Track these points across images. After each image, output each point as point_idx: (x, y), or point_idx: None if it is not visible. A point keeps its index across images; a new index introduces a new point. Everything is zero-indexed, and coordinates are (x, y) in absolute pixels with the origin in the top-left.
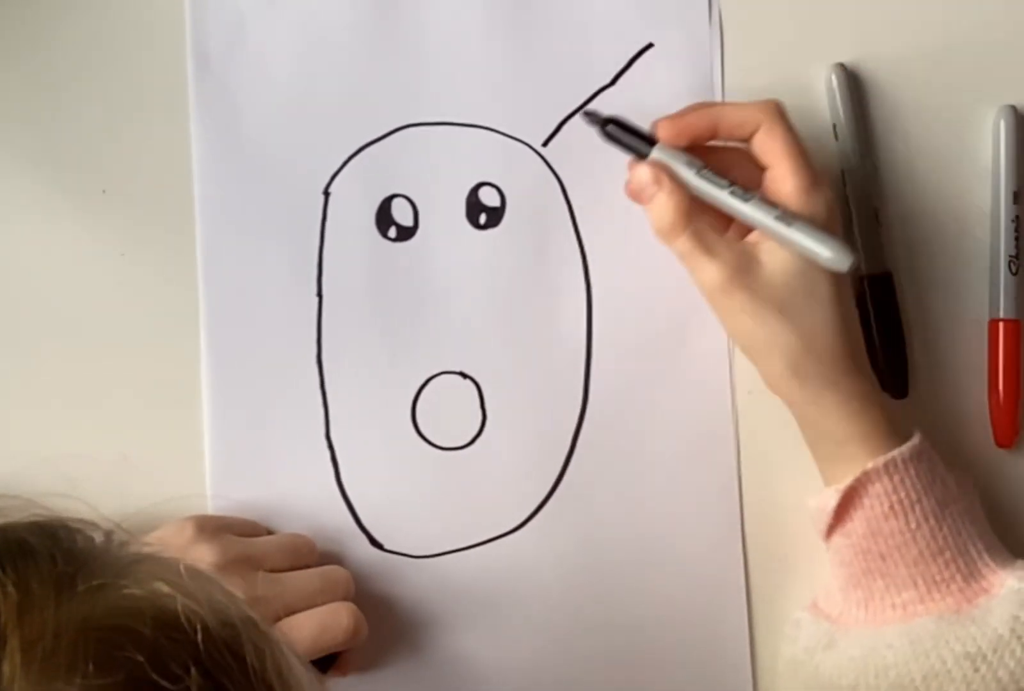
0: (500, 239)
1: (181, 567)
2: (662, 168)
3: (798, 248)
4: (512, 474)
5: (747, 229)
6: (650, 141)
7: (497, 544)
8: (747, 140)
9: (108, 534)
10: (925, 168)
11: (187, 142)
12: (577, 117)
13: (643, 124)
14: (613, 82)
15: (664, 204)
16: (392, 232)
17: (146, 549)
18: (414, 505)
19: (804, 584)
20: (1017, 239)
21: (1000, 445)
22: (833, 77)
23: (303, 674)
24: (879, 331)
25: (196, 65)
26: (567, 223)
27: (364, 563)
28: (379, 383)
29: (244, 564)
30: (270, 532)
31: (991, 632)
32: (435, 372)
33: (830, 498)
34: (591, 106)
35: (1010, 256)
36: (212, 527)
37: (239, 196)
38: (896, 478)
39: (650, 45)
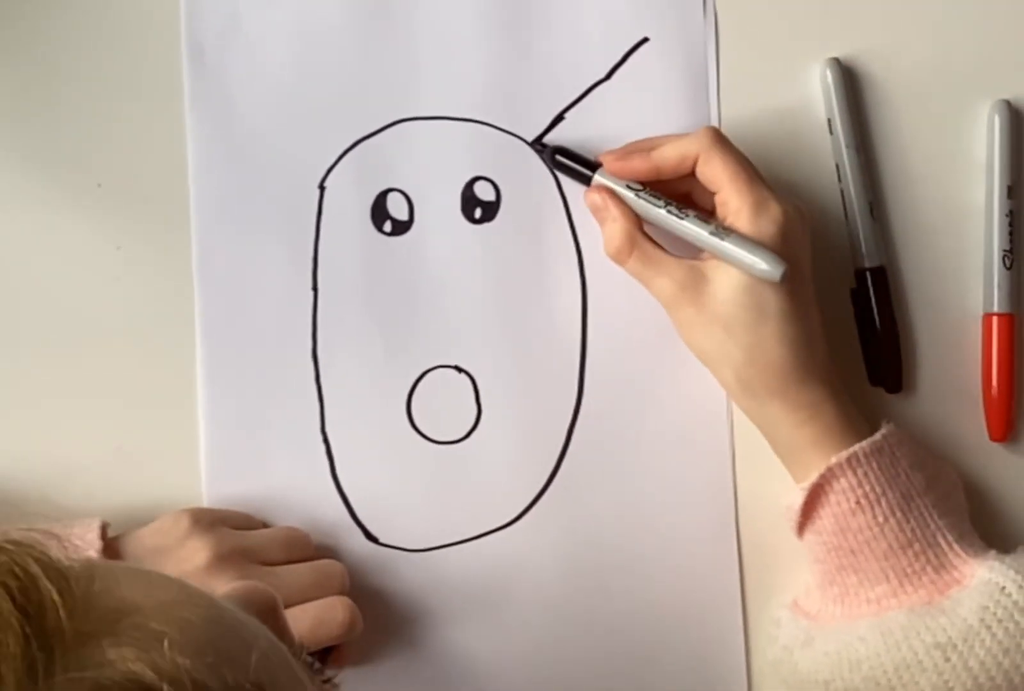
0: (495, 233)
1: (165, 641)
2: (608, 194)
3: (732, 261)
4: (507, 468)
5: (700, 250)
6: (593, 167)
7: (492, 538)
8: (690, 173)
9: (79, 577)
10: (919, 163)
11: (182, 136)
12: (531, 145)
13: (633, 122)
14: (608, 76)
15: (610, 230)
16: (387, 226)
17: (124, 598)
18: (409, 499)
19: (797, 578)
20: (1011, 233)
21: (994, 439)
22: (827, 71)
23: None
24: (874, 325)
25: (191, 58)
26: (562, 217)
27: (359, 557)
28: (374, 377)
29: (239, 557)
30: (265, 525)
31: (961, 622)
32: (430, 366)
33: (797, 496)
34: (548, 137)
35: (1004, 250)
36: (207, 520)
37: (234, 190)
38: (860, 472)
39: (645, 39)
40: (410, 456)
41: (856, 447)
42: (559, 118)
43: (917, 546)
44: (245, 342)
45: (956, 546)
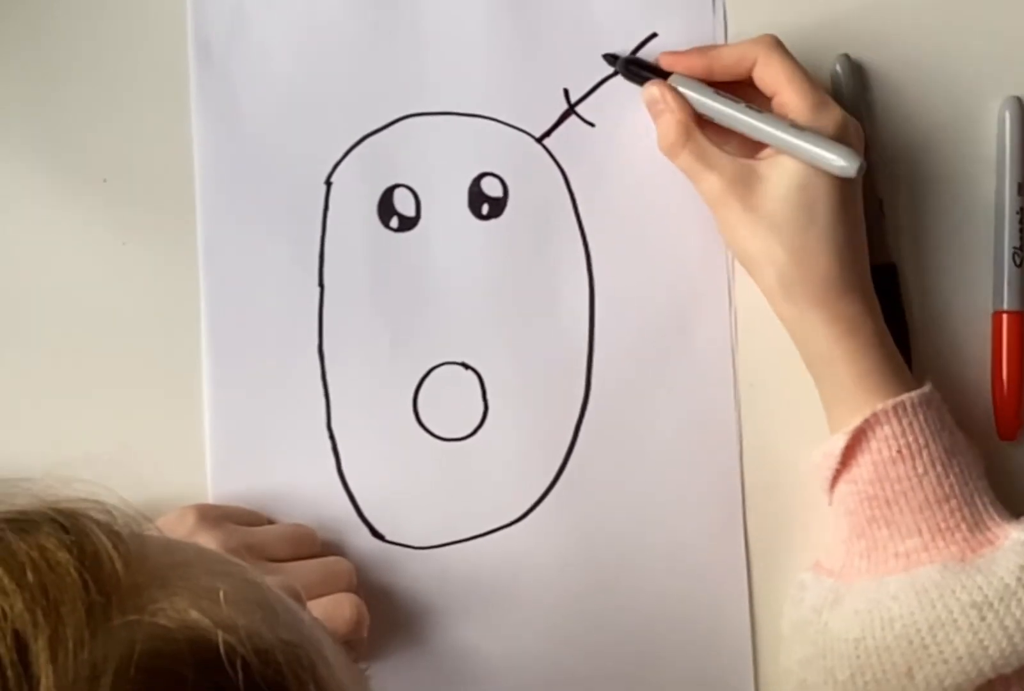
0: (502, 229)
1: (221, 593)
2: (667, 87)
3: (808, 156)
4: (514, 465)
5: (752, 149)
6: (665, 75)
7: (498, 535)
8: (746, 77)
9: (130, 537)
10: (930, 159)
11: (188, 131)
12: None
13: (642, 117)
14: (617, 72)
15: (666, 122)
16: (394, 222)
17: (176, 559)
18: (415, 496)
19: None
20: (1021, 231)
21: (1003, 438)
22: (838, 68)
23: (347, 677)
24: (883, 322)
25: (197, 54)
26: (569, 213)
27: (365, 554)
28: (380, 373)
29: (245, 553)
30: (271, 522)
31: (997, 581)
32: (437, 363)
33: (838, 441)
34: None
35: (1014, 248)
36: (213, 516)
37: (240, 186)
38: (905, 421)
39: (654, 35)
40: (416, 453)
41: (905, 396)
42: (568, 113)
43: (954, 502)
44: (251, 338)
45: (991, 508)
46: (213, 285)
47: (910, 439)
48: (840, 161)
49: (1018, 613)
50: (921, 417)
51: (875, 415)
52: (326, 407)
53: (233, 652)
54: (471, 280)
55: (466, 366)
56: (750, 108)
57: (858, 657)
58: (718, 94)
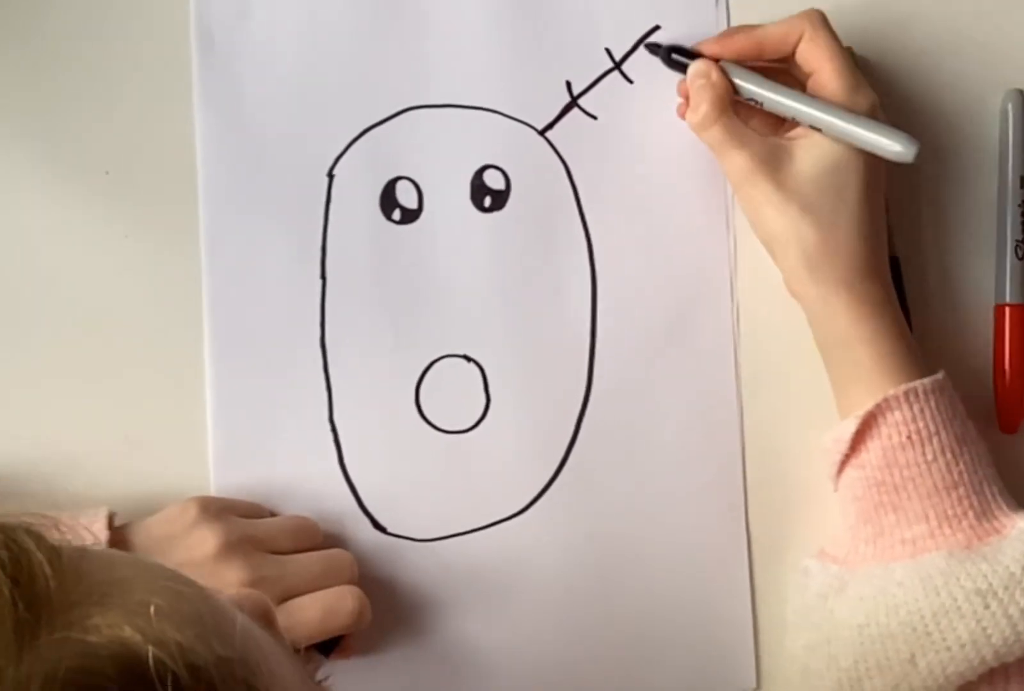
0: (505, 222)
1: (152, 606)
2: (717, 67)
3: (865, 140)
4: (516, 458)
5: (775, 129)
6: (715, 60)
7: (500, 528)
8: (788, 56)
9: (70, 552)
10: (932, 152)
11: (191, 124)
12: (641, 49)
13: (644, 110)
14: (619, 64)
15: (700, 95)
16: (396, 214)
17: (115, 575)
18: (417, 488)
19: None
20: None
21: (1004, 431)
22: None
23: (293, 681)
24: None
25: (200, 46)
26: (572, 206)
27: (367, 546)
28: (383, 366)
29: (248, 545)
30: (273, 514)
31: (1003, 569)
32: (439, 355)
33: (849, 425)
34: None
35: (1016, 241)
36: (215, 508)
37: (243, 178)
38: (916, 407)
39: (656, 27)
40: (419, 445)
41: (917, 382)
42: (570, 106)
43: (962, 489)
44: (253, 330)
45: (1000, 497)
46: (215, 277)
47: (920, 425)
48: (897, 146)
49: (1022, 602)
50: (933, 403)
51: (886, 400)
52: (328, 399)
53: (163, 668)
54: (473, 272)
55: (468, 358)
56: (802, 94)
57: (862, 644)
58: (767, 80)
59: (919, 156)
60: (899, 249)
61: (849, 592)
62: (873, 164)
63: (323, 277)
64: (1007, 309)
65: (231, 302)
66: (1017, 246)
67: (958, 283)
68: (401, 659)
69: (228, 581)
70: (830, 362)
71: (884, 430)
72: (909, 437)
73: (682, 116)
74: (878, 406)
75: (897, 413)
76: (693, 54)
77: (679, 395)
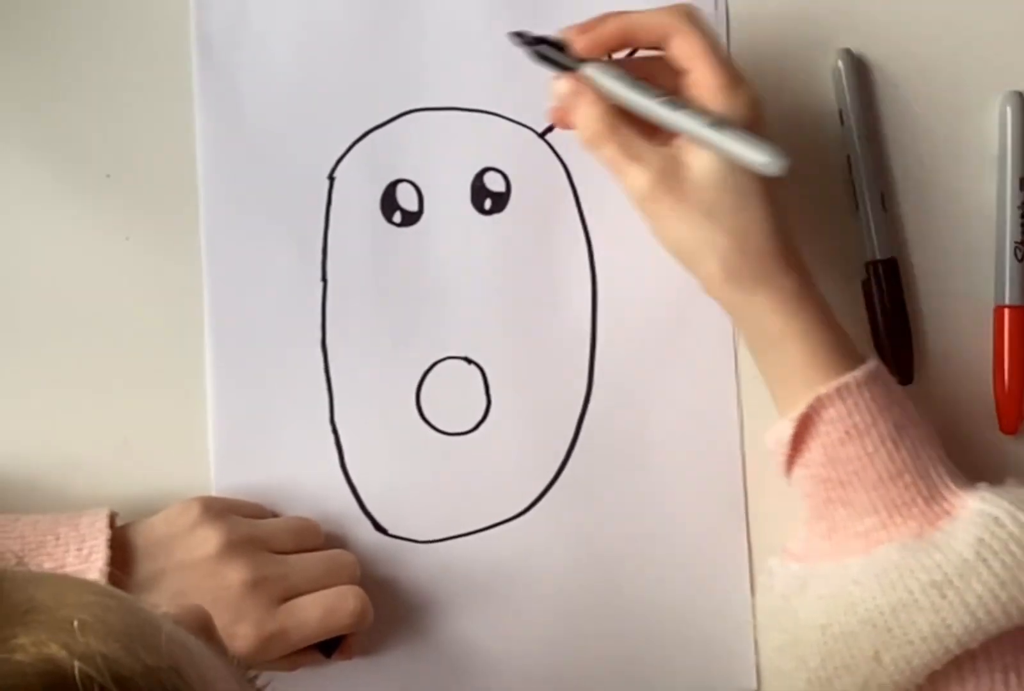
0: (505, 224)
1: (75, 621)
2: (582, 80)
3: (731, 155)
4: (516, 460)
5: (672, 137)
6: (580, 59)
7: (501, 529)
8: (662, 47)
9: None
10: (931, 154)
11: (191, 126)
12: (506, 37)
13: None
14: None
15: (587, 114)
16: (397, 217)
17: (38, 595)
18: (418, 490)
19: None
20: (1023, 225)
21: (1005, 432)
22: (839, 62)
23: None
24: (884, 317)
25: (200, 49)
26: (572, 208)
27: (368, 548)
28: (383, 368)
29: (250, 545)
30: (275, 515)
31: (956, 557)
32: (440, 357)
33: (785, 428)
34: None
35: (1016, 242)
36: (218, 508)
37: (243, 181)
38: (850, 402)
39: None
40: (419, 447)
41: (848, 376)
42: None
43: (908, 477)
44: (254, 332)
45: (947, 478)
46: (216, 280)
47: (857, 419)
48: (762, 159)
49: (979, 588)
50: (867, 395)
51: (819, 399)
52: (329, 401)
53: (90, 681)
54: (474, 275)
55: (469, 360)
56: (670, 101)
57: (826, 643)
58: (637, 84)
59: (785, 170)
60: (897, 250)
61: (809, 592)
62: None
63: (324, 279)
64: (1006, 311)
65: (232, 304)
66: (1016, 248)
67: (957, 285)
68: (402, 660)
69: (230, 580)
70: (762, 363)
71: (822, 428)
72: (847, 432)
73: (556, 122)
74: (811, 406)
75: (832, 410)
76: (560, 46)
77: (679, 396)
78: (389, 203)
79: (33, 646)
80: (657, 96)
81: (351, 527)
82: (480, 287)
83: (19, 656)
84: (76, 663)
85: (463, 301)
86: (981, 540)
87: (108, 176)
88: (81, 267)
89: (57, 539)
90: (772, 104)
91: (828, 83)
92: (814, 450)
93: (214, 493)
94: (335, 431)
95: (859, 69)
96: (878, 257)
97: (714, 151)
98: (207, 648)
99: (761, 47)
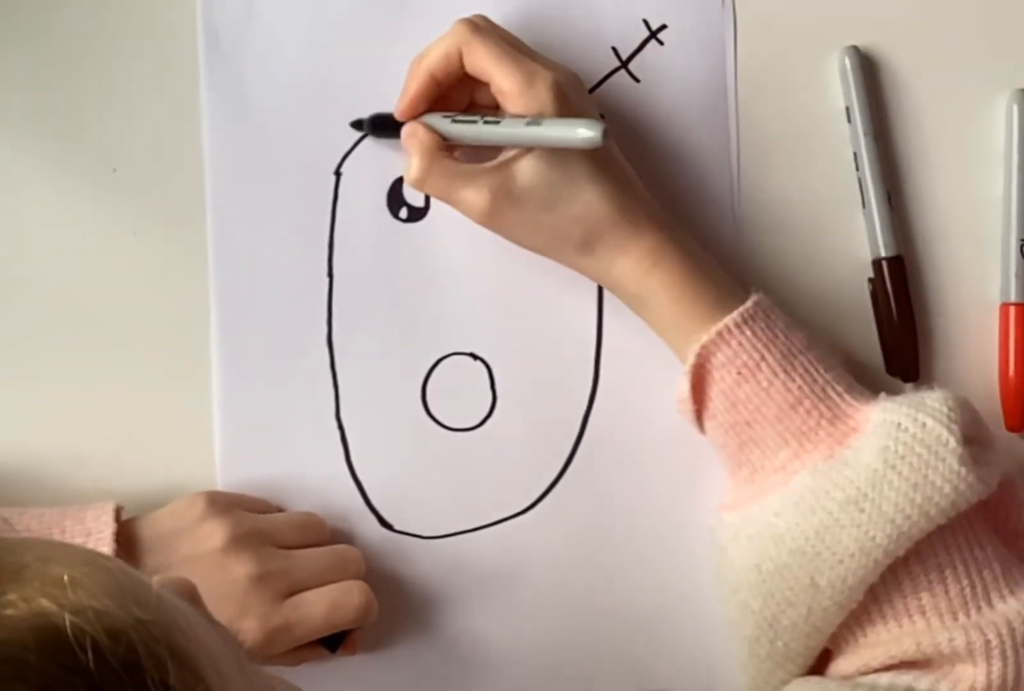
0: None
1: (65, 576)
2: (420, 125)
3: (555, 142)
4: (522, 455)
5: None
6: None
7: (506, 525)
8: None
9: None
10: (937, 151)
11: (198, 121)
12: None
13: (650, 109)
14: (625, 64)
15: (411, 152)
16: (403, 213)
17: (27, 556)
18: (424, 486)
19: None
20: None
21: (1010, 429)
22: (846, 60)
23: (222, 654)
24: (891, 314)
25: (207, 44)
26: None
27: (374, 543)
28: (389, 364)
29: (256, 539)
30: (280, 511)
31: (865, 470)
32: (445, 353)
33: (682, 383)
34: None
35: (1021, 240)
36: (223, 502)
37: (250, 176)
38: (734, 343)
39: (663, 26)
40: (425, 443)
41: (726, 319)
42: None
43: (807, 402)
44: (260, 328)
45: (847, 396)
46: (223, 275)
47: (745, 358)
48: (582, 134)
49: (893, 496)
50: (748, 333)
51: (703, 347)
52: (335, 397)
53: (82, 633)
54: (480, 270)
55: (475, 356)
56: (487, 121)
57: (763, 582)
58: (455, 120)
59: (606, 136)
60: (903, 248)
61: (740, 536)
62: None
63: (330, 275)
64: (1012, 308)
65: (238, 300)
66: (1022, 245)
67: (964, 282)
68: (406, 655)
69: (236, 574)
70: (653, 326)
71: (715, 374)
72: (739, 373)
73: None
74: (699, 356)
75: (719, 355)
76: (395, 122)
77: None
78: (395, 199)
79: (24, 601)
80: (478, 120)
81: (356, 522)
82: (486, 283)
83: (10, 611)
84: (67, 616)
85: (469, 297)
86: (886, 448)
87: (115, 171)
88: (88, 262)
89: (63, 532)
90: (779, 101)
91: (835, 80)
92: (715, 398)
93: (220, 488)
94: (341, 426)
95: (866, 66)
96: (884, 254)
97: (540, 146)
98: (194, 610)
99: (768, 45)
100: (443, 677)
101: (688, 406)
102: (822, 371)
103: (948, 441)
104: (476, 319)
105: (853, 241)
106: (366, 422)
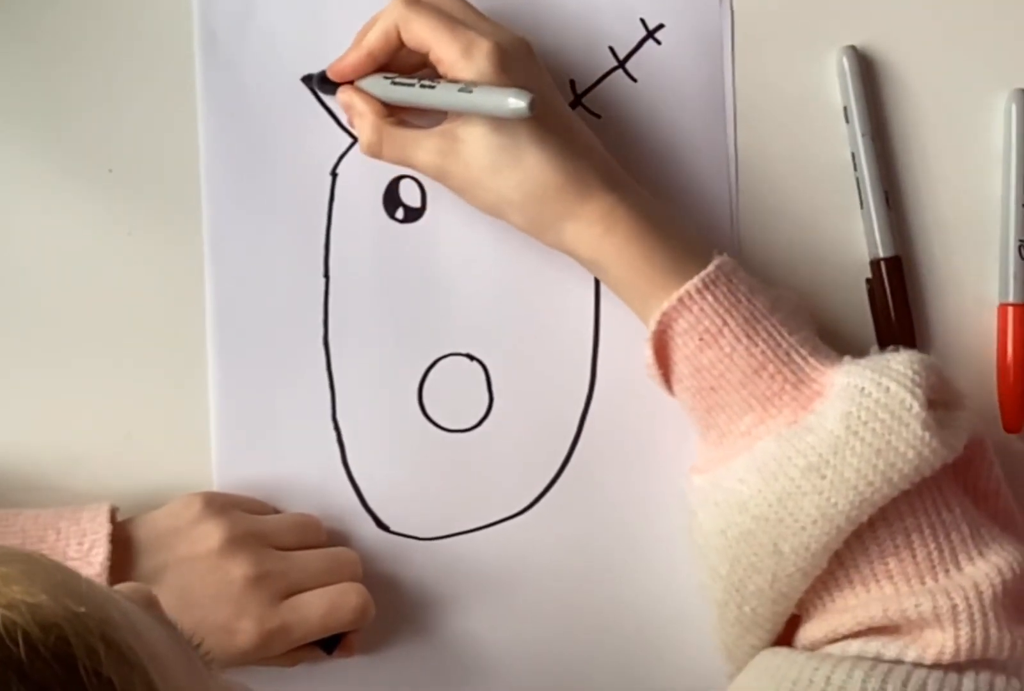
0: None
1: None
2: (356, 91)
3: (482, 110)
4: (519, 456)
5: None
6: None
7: (503, 526)
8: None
9: None
10: (935, 152)
11: (194, 121)
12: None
13: (647, 108)
14: (622, 63)
15: (359, 125)
16: (400, 213)
17: None
18: (420, 487)
19: None
20: None
21: (1008, 430)
22: (844, 59)
23: (169, 652)
24: (888, 315)
25: (203, 44)
26: None
27: (370, 545)
28: (386, 365)
29: (252, 540)
30: (277, 512)
31: (827, 435)
32: (442, 354)
33: (646, 349)
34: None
35: (1020, 240)
36: (219, 503)
37: (246, 176)
38: (696, 309)
39: (661, 26)
40: (421, 444)
41: (688, 285)
42: (573, 104)
43: (771, 367)
44: (256, 329)
45: (811, 359)
46: (219, 275)
47: (707, 324)
48: (508, 104)
49: (855, 461)
50: (710, 298)
51: (665, 314)
52: (331, 398)
53: (13, 626)
54: (476, 271)
55: (471, 357)
56: (423, 85)
57: (729, 547)
58: (395, 82)
59: (535, 108)
60: (901, 248)
61: (709, 501)
62: (526, 87)
63: (326, 276)
64: (1010, 309)
65: (234, 300)
66: (1020, 246)
67: (961, 282)
68: (404, 657)
69: (232, 576)
70: (611, 289)
71: (678, 340)
72: (701, 338)
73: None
74: (660, 323)
75: (681, 321)
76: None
77: None
78: (392, 199)
79: None
80: (415, 82)
81: (353, 524)
82: (483, 283)
83: None
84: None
85: (466, 297)
86: (849, 413)
87: (110, 171)
88: (84, 262)
89: (58, 533)
90: (777, 101)
91: (833, 80)
92: (679, 363)
93: (216, 489)
94: (337, 428)
95: (864, 66)
96: (883, 255)
97: (473, 112)
98: (139, 610)
99: (766, 44)
100: (440, 678)
101: (654, 371)
102: (786, 335)
103: (912, 406)
104: (473, 320)
105: (851, 241)
106: (362, 423)
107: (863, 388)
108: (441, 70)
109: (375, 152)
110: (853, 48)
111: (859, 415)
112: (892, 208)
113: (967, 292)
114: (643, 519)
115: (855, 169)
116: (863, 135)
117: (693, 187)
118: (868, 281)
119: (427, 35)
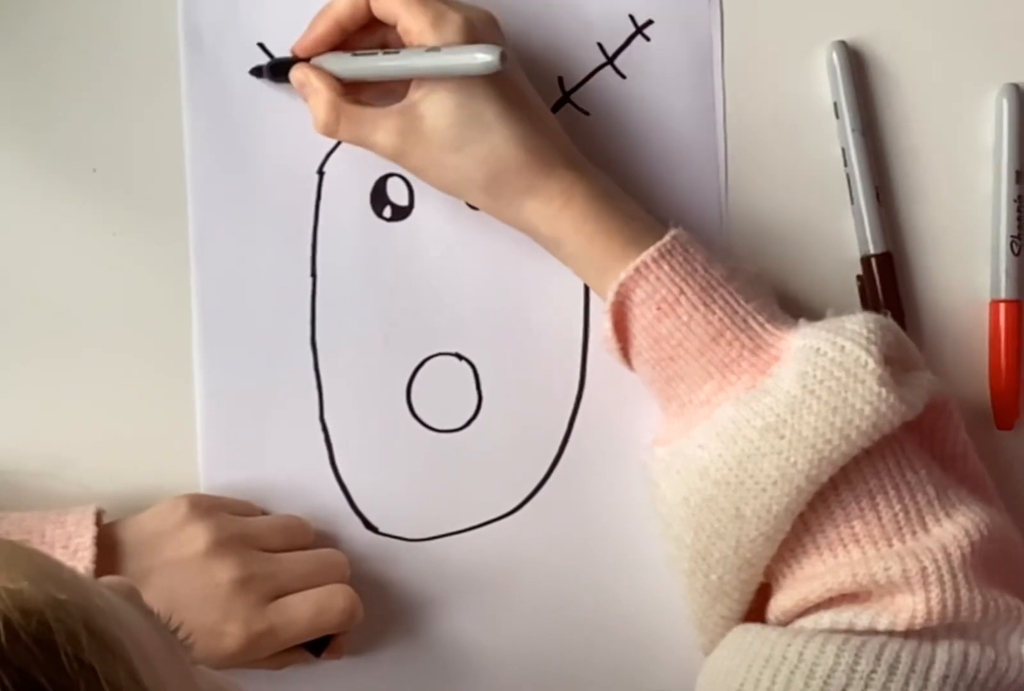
0: (496, 219)
1: None
2: (311, 68)
3: (454, 69)
4: (508, 457)
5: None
6: (303, 60)
7: (492, 527)
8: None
9: None
10: (926, 147)
11: (179, 120)
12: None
13: (637, 105)
14: (611, 60)
15: (314, 103)
16: (387, 212)
17: None
18: (409, 488)
19: None
20: (1019, 219)
21: (1000, 427)
22: (834, 55)
23: (152, 642)
24: (879, 312)
25: (188, 42)
26: None
27: (358, 546)
28: (374, 364)
29: (239, 542)
30: (264, 514)
31: (784, 396)
32: (430, 353)
33: (603, 322)
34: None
35: (1011, 236)
36: (206, 505)
37: (231, 175)
38: (652, 278)
39: (649, 22)
40: (410, 444)
41: (644, 254)
42: (562, 101)
43: (729, 334)
44: (243, 329)
45: (768, 325)
46: (204, 275)
47: (664, 293)
48: (480, 59)
49: (812, 420)
50: (666, 267)
51: (622, 285)
52: (319, 398)
53: None
54: (465, 270)
55: (460, 357)
56: (386, 53)
57: (692, 515)
58: (355, 55)
59: (505, 62)
60: (892, 244)
61: (671, 470)
62: (501, 77)
63: (313, 275)
64: (1001, 305)
65: (220, 300)
66: (1012, 242)
67: (952, 279)
68: (392, 659)
69: (219, 578)
70: (570, 266)
71: (636, 311)
72: (659, 308)
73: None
74: (617, 294)
75: (638, 291)
76: (292, 61)
77: None
78: (379, 198)
79: None
80: (377, 53)
81: (341, 525)
82: (471, 282)
83: None
84: None
85: (454, 297)
86: (805, 373)
87: (95, 171)
88: (68, 263)
89: (43, 536)
90: (766, 97)
91: (823, 76)
92: (638, 335)
93: (202, 491)
94: (325, 428)
95: (854, 62)
96: (873, 251)
97: (441, 75)
98: (122, 600)
99: (755, 39)
100: (430, 680)
101: (613, 345)
102: (743, 302)
103: (867, 363)
104: (461, 319)
105: (841, 238)
106: (350, 424)
107: (818, 348)
108: (407, 40)
109: (331, 131)
110: (843, 43)
111: (815, 374)
112: (883, 204)
113: (958, 288)
114: (633, 518)
115: (845, 165)
116: (853, 131)
117: (682, 183)
118: (859, 278)
119: (397, 4)
